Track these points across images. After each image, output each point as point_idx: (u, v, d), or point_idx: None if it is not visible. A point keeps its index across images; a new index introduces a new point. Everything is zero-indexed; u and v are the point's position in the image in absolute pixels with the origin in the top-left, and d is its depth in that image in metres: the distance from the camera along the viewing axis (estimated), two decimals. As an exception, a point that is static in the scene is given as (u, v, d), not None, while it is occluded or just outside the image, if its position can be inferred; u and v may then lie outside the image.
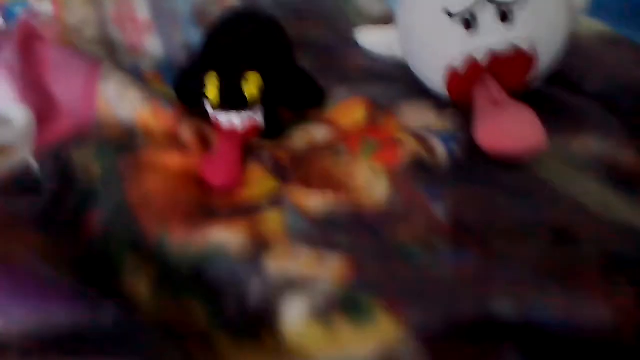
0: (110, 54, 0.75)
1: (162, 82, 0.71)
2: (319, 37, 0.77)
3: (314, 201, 0.54)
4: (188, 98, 0.65)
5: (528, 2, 0.59)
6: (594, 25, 0.72)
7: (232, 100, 0.58)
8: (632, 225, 0.50)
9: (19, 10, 0.79)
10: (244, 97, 0.58)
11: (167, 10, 0.79)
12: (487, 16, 0.60)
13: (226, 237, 0.50)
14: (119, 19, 0.78)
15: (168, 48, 0.76)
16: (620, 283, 0.44)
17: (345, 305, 0.45)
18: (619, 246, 0.47)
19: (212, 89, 0.58)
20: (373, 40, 0.74)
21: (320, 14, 0.81)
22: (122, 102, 0.65)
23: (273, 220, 0.52)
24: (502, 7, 0.59)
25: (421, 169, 0.56)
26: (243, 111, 0.59)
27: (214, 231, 0.51)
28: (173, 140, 0.62)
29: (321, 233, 0.51)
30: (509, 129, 0.58)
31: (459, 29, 0.60)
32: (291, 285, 0.47)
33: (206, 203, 0.55)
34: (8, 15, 0.79)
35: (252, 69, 0.59)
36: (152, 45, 0.76)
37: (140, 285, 0.49)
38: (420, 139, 0.59)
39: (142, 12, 0.78)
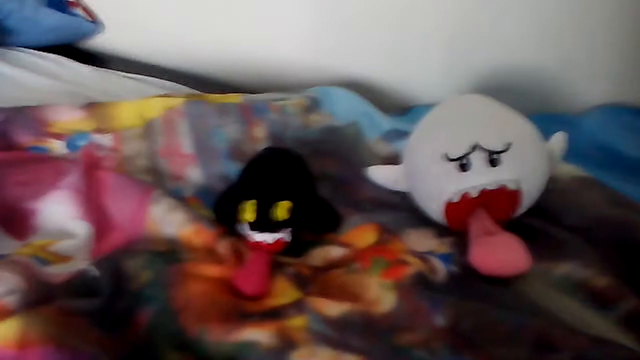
0: (157, 181, 0.87)
1: (201, 206, 0.82)
2: (337, 172, 0.89)
3: (332, 309, 0.63)
4: (224, 219, 0.77)
5: (513, 150, 0.72)
6: (571, 170, 0.84)
7: (267, 222, 0.70)
8: (603, 338, 0.58)
9: (81, 142, 0.93)
10: (276, 221, 0.70)
11: (208, 147, 0.92)
12: (479, 161, 0.72)
13: (257, 335, 0.59)
14: (167, 153, 0.91)
15: (208, 177, 0.88)
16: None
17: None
18: (592, 354, 0.55)
19: (250, 213, 0.70)
20: (382, 176, 0.86)
21: (338, 153, 0.94)
22: (169, 222, 0.75)
23: (298, 323, 0.61)
24: (492, 154, 0.72)
25: (423, 284, 0.66)
26: (275, 232, 0.70)
27: (247, 330, 0.59)
28: (212, 255, 0.72)
29: (339, 336, 0.60)
30: (499, 253, 0.69)
31: (456, 171, 0.73)
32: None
33: (240, 308, 0.64)
34: (71, 145, 0.93)
35: (282, 198, 0.71)
36: (194, 175, 0.89)
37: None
38: (423, 259, 0.70)
39: (187, 147, 0.92)
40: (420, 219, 0.78)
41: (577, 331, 0.59)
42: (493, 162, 0.72)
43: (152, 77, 1.24)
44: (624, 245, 0.70)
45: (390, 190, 0.85)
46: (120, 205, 0.79)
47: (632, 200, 0.78)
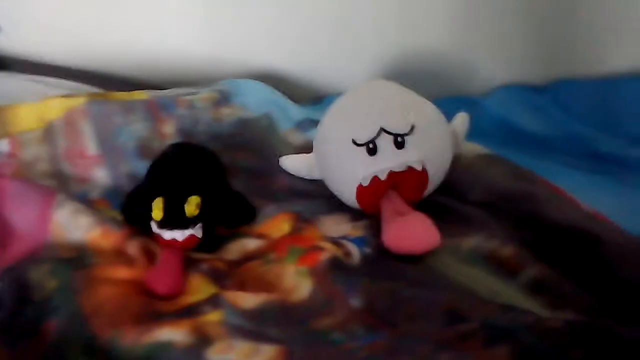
0: (61, 185, 0.83)
1: (109, 208, 0.80)
2: (251, 164, 0.89)
3: (248, 301, 0.63)
4: (134, 219, 0.74)
5: (417, 132, 0.74)
6: (475, 148, 0.87)
7: (175, 220, 0.68)
8: (510, 305, 0.61)
9: (-24, 150, 0.87)
10: (186, 217, 0.68)
11: (114, 146, 0.89)
12: (386, 144, 0.74)
13: (172, 334, 0.57)
14: (70, 155, 0.88)
15: (115, 178, 0.85)
16: (498, 348, 0.54)
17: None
18: (500, 321, 0.58)
19: (158, 211, 0.68)
20: (295, 165, 0.87)
21: (251, 145, 0.93)
22: (74, 226, 0.73)
23: (213, 319, 0.60)
24: (397, 137, 0.73)
25: (339, 268, 0.66)
26: (185, 229, 0.69)
27: (160, 330, 0.58)
28: (121, 256, 0.70)
29: (256, 327, 0.60)
30: (410, 232, 0.70)
31: (364, 155, 0.74)
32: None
33: (153, 308, 0.62)
34: (-35, 154, 0.87)
35: (192, 193, 0.70)
36: (101, 177, 0.86)
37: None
38: (338, 244, 0.70)
39: (92, 148, 0.89)
40: (335, 206, 0.79)
41: (485, 300, 0.62)
42: (399, 145, 0.73)
43: (54, 78, 1.19)
44: (526, 216, 0.74)
45: (304, 179, 0.85)
46: (21, 212, 0.74)
47: (532, 173, 0.83)
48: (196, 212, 0.68)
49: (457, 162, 0.81)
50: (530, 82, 1.16)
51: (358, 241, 0.71)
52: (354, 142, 0.75)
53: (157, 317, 0.61)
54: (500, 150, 0.88)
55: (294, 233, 0.74)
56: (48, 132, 0.90)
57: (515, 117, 1.07)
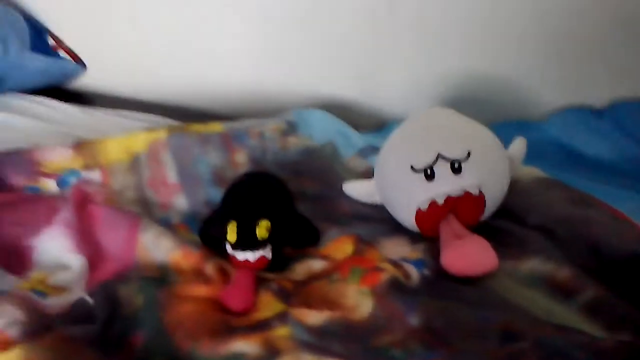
0: (146, 211, 0.92)
1: (188, 231, 0.87)
2: (315, 190, 0.95)
3: (314, 318, 0.68)
4: (211, 242, 0.81)
5: (473, 158, 0.78)
6: (532, 172, 0.89)
7: (248, 242, 0.75)
8: (564, 325, 0.63)
9: (71, 179, 0.98)
10: (257, 239, 0.74)
11: (192, 175, 0.97)
12: (443, 169, 0.77)
13: (244, 346, 0.63)
14: (153, 184, 0.96)
15: (193, 205, 0.93)
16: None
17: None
18: (554, 340, 0.60)
19: (232, 233, 0.75)
20: (357, 190, 0.92)
21: (315, 172, 0.99)
22: (158, 248, 0.80)
23: (282, 333, 0.65)
24: (454, 163, 0.77)
25: (398, 288, 0.70)
26: (256, 250, 0.75)
27: (234, 343, 0.64)
28: (199, 276, 0.77)
29: (321, 342, 0.65)
30: (468, 255, 0.74)
31: (422, 180, 0.78)
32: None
33: (228, 323, 0.68)
34: (62, 183, 0.97)
35: (262, 217, 0.76)
36: (180, 203, 0.94)
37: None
38: (398, 265, 0.75)
39: (172, 177, 0.97)
40: (394, 229, 0.83)
41: (540, 321, 0.64)
42: (456, 170, 0.77)
43: (136, 111, 1.29)
44: (583, 239, 0.75)
45: (366, 204, 0.90)
46: (111, 235, 0.83)
47: (590, 197, 0.84)
48: (266, 234, 0.75)
49: (515, 186, 0.83)
50: (590, 105, 1.16)
51: (417, 263, 0.75)
52: (412, 168, 0.79)
53: (231, 331, 0.67)
54: (559, 173, 0.89)
55: (356, 254, 0.78)
56: (134, 163, 0.99)
57: (574, 140, 1.08)
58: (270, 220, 0.75)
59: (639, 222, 0.78)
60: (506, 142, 0.85)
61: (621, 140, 1.06)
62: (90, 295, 0.73)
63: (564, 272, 0.71)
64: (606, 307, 0.66)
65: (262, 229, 0.74)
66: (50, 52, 1.39)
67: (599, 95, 1.17)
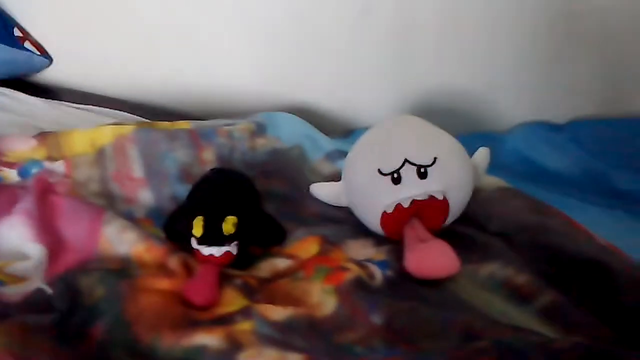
0: (110, 204, 0.91)
1: (153, 226, 0.86)
2: (283, 190, 0.95)
3: (277, 313, 0.68)
4: (175, 236, 0.81)
5: (439, 164, 0.79)
6: (495, 181, 0.92)
7: (214, 236, 0.74)
8: (521, 327, 0.65)
9: (33, 169, 0.96)
10: (224, 234, 0.74)
11: (158, 170, 0.97)
12: (409, 174, 0.79)
13: (206, 339, 0.63)
14: (118, 177, 0.95)
15: (158, 199, 0.93)
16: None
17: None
18: (512, 340, 0.62)
19: (198, 228, 0.75)
20: (324, 192, 0.92)
21: (283, 173, 1.00)
22: (121, 241, 0.79)
23: (245, 327, 0.65)
24: (420, 168, 0.79)
25: (362, 288, 0.71)
26: (222, 245, 0.75)
27: (196, 336, 0.63)
28: (162, 269, 0.76)
29: (283, 337, 0.65)
30: (431, 258, 0.75)
31: (389, 184, 0.79)
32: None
33: (190, 317, 0.68)
34: (24, 173, 0.95)
35: (229, 213, 0.76)
36: (145, 198, 0.93)
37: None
38: (362, 266, 0.75)
39: (138, 172, 0.96)
40: (360, 231, 0.84)
41: (499, 323, 0.66)
42: (422, 175, 0.79)
43: (102, 107, 1.28)
44: (541, 246, 0.77)
45: (333, 206, 0.91)
46: (74, 227, 0.82)
47: (549, 207, 0.86)
48: (233, 230, 0.75)
49: (478, 194, 0.86)
50: (550, 121, 1.21)
51: (381, 264, 0.76)
52: (380, 172, 0.80)
53: (194, 325, 0.66)
54: (520, 184, 0.92)
55: (321, 254, 0.79)
56: (99, 156, 0.98)
57: (535, 153, 1.12)
58: (237, 217, 0.75)
59: (594, 231, 0.81)
60: (471, 152, 0.87)
61: (579, 154, 1.11)
62: (50, 285, 0.72)
63: (522, 277, 0.73)
64: (562, 312, 0.68)
65: (228, 225, 0.74)
66: (16, 44, 1.37)
67: (558, 111, 1.21)
